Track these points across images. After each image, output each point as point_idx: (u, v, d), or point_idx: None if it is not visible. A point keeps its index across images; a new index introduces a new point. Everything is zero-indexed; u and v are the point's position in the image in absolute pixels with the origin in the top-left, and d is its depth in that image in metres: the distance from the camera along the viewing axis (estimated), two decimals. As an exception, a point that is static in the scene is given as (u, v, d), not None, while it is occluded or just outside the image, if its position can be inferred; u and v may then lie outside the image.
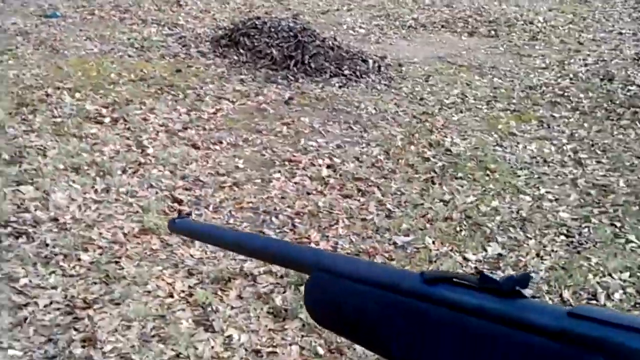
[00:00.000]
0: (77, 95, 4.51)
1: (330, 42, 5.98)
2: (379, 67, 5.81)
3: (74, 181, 3.29)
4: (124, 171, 3.50)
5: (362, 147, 4.18)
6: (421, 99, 5.16)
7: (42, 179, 3.23)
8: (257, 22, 6.27)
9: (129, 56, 5.60)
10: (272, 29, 6.10)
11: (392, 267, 0.65)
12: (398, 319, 0.56)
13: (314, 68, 5.59)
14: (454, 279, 0.54)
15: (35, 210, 2.97)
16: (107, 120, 4.17)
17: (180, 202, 3.28)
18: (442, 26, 7.45)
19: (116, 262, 2.68)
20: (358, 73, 5.63)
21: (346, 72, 5.60)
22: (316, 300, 0.66)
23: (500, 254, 2.99)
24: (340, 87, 5.31)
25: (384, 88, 5.37)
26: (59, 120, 4.04)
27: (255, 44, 6.01)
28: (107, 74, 5.00)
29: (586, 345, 0.43)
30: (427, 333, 0.54)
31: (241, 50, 5.97)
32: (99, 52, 5.60)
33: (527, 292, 0.51)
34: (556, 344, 0.45)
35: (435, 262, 2.93)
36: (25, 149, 3.55)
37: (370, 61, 5.87)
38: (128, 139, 3.94)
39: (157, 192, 3.33)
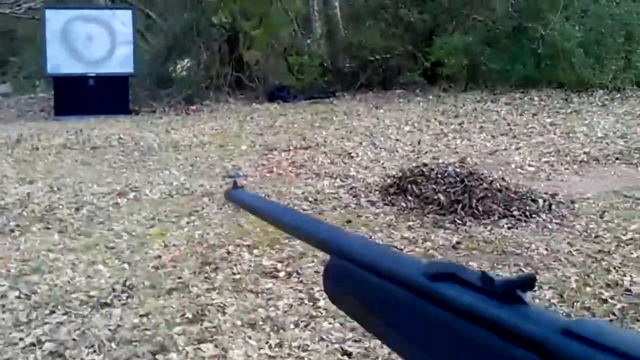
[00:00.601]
0: (255, 251, 4.80)
1: (497, 184, 5.98)
2: (550, 205, 5.70)
3: (250, 337, 3.46)
4: (296, 325, 3.63)
5: (534, 291, 4.06)
6: (596, 236, 4.97)
7: (221, 337, 3.43)
8: (424, 169, 6.43)
9: (303, 210, 5.92)
10: (439, 175, 6.22)
11: (401, 255, 0.61)
12: (399, 312, 0.55)
13: (482, 211, 5.59)
14: (456, 276, 0.51)
15: (214, 368, 3.15)
16: (281, 274, 4.38)
17: (349, 354, 3.33)
18: (617, 158, 7.23)
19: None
20: (528, 213, 5.55)
21: (515, 212, 5.54)
22: (332, 284, 0.66)
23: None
24: (509, 228, 5.25)
25: (556, 227, 5.23)
26: (237, 277, 4.31)
27: (423, 190, 6.13)
28: (283, 229, 5.30)
29: None
30: (422, 331, 0.52)
31: (409, 198, 6.12)
32: (276, 208, 5.97)
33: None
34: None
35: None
36: (206, 307, 3.81)
37: (541, 200, 5.78)
38: (301, 292, 4.10)
39: (327, 346, 3.41)
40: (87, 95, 11.90)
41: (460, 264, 0.52)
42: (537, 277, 4.46)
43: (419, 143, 8.32)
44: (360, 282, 0.60)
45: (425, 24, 13.71)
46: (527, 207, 5.69)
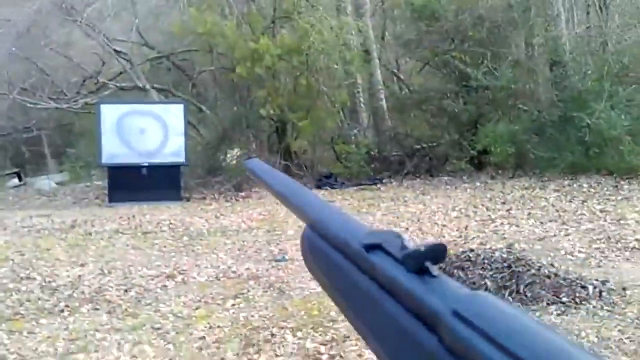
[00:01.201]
0: (299, 334, 4.78)
1: (546, 270, 5.89)
2: (601, 292, 5.57)
3: (291, 418, 3.42)
4: (339, 408, 3.58)
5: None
6: (649, 324, 4.82)
7: (263, 416, 3.41)
8: (470, 255, 6.38)
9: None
10: (486, 260, 6.17)
11: (354, 224, 0.59)
12: (346, 283, 0.54)
13: (530, 297, 5.49)
14: (384, 245, 0.50)
15: None
16: (324, 357, 4.34)
17: None
18: (670, 244, 7.07)
19: None
20: (577, 299, 5.42)
21: (564, 299, 5.43)
22: (305, 253, 0.66)
23: None
24: (558, 315, 5.13)
25: (607, 314, 5.10)
26: (280, 359, 4.29)
27: (469, 275, 6.07)
28: (327, 312, 5.28)
29: (462, 357, 0.38)
30: (360, 301, 0.52)
31: (455, 282, 6.05)
32: (321, 291, 5.94)
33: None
34: (440, 346, 0.41)
35: None
36: (249, 387, 3.80)
37: (591, 287, 5.65)
38: (344, 375, 4.06)
39: None
40: (140, 184, 12.21)
41: (396, 232, 0.51)
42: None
43: (465, 229, 8.28)
44: (322, 253, 0.61)
45: (469, 114, 13.84)
46: (577, 294, 5.57)
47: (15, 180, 18.11)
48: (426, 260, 0.45)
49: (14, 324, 5.03)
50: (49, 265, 7.01)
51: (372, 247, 0.51)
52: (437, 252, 0.45)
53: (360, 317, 0.53)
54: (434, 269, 0.45)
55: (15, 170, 19.24)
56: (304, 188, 0.74)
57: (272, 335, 4.76)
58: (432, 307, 0.42)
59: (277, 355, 4.36)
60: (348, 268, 0.54)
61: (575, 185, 11.19)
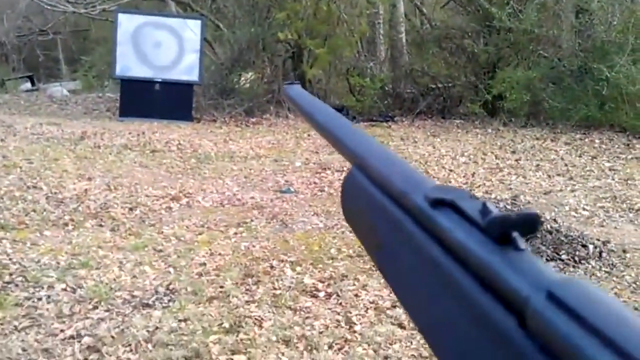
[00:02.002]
0: (298, 268, 4.84)
1: (549, 225, 5.91)
2: (601, 252, 5.60)
3: (283, 354, 3.50)
4: (330, 347, 3.65)
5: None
6: (645, 289, 4.87)
7: (255, 350, 3.48)
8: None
9: (350, 232, 5.94)
10: (489, 210, 6.18)
11: (415, 174, 0.52)
12: (396, 238, 0.50)
13: (530, 250, 5.52)
14: (457, 204, 0.44)
15: (245, 380, 3.20)
16: (321, 294, 4.41)
17: (380, 382, 3.34)
18: (675, 210, 7.06)
19: None
20: (577, 258, 5.46)
21: (564, 256, 5.46)
22: (346, 198, 0.61)
23: None
24: (556, 272, 5.17)
25: (605, 275, 5.14)
26: (278, 292, 4.36)
27: (472, 223, 6.10)
28: (328, 248, 5.34)
29: (551, 348, 0.33)
30: (412, 262, 0.47)
31: (457, 230, 6.10)
32: (323, 227, 6.01)
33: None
34: (520, 330, 0.35)
35: None
36: (244, 318, 3.87)
37: (591, 246, 5.68)
38: (338, 314, 4.13)
39: (359, 371, 3.43)
40: (152, 100, 12.19)
41: (470, 192, 0.46)
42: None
43: (472, 175, 8.27)
44: (370, 199, 0.55)
45: (489, 55, 13.62)
46: (577, 252, 5.59)
47: (28, 85, 18.07)
48: (514, 229, 0.39)
49: (18, 234, 5.11)
50: (56, 176, 7.07)
51: (439, 203, 0.45)
52: (529, 222, 0.39)
53: (408, 283, 0.48)
54: (522, 242, 0.38)
55: (29, 74, 19.16)
56: (353, 125, 0.69)
57: (272, 267, 4.83)
58: (517, 286, 0.36)
59: (275, 288, 4.42)
60: (404, 222, 0.49)
61: (587, 140, 11.12)
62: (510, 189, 7.74)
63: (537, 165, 9.05)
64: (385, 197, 0.53)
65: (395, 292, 0.51)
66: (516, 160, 9.34)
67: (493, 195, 7.00)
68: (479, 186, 7.80)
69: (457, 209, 0.43)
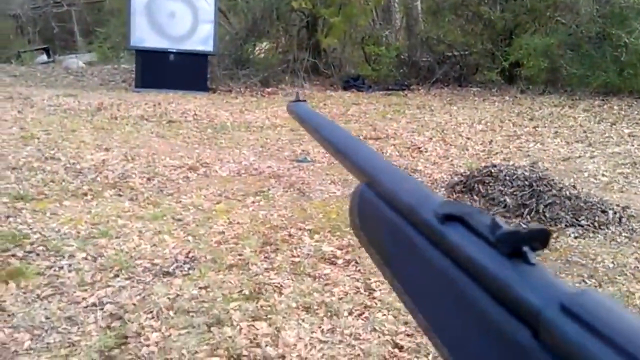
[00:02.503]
0: (316, 236, 4.85)
1: (567, 192, 5.87)
2: (620, 218, 5.56)
3: (303, 320, 3.52)
4: (350, 313, 3.67)
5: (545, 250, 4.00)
6: (666, 254, 4.84)
7: (276, 316, 3.50)
8: (492, 170, 6.36)
9: (367, 200, 5.93)
10: (508, 177, 6.15)
11: (424, 190, 0.53)
12: (406, 254, 0.50)
13: (549, 217, 5.50)
14: (467, 220, 0.44)
15: (266, 346, 3.22)
16: (340, 261, 4.42)
17: (401, 348, 3.35)
18: (696, 175, 7.00)
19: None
20: (596, 224, 5.43)
21: (583, 222, 5.43)
22: (355, 214, 0.62)
23: None
24: (575, 237, 5.15)
25: (625, 240, 5.11)
26: (297, 260, 4.37)
27: (490, 191, 6.08)
28: (346, 216, 5.33)
29: (562, 357, 0.33)
30: (423, 278, 0.47)
31: (475, 197, 6.07)
32: (340, 195, 6.01)
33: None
34: (535, 342, 0.35)
35: None
36: (264, 286, 3.89)
37: (611, 212, 5.64)
38: (357, 280, 4.14)
39: (379, 337, 3.44)
40: (167, 70, 12.17)
41: (477, 208, 0.46)
42: (600, 290, 4.39)
43: (490, 143, 8.22)
44: (380, 215, 0.55)
45: (505, 22, 13.46)
46: (596, 218, 5.56)
47: (44, 57, 18.09)
48: (524, 244, 0.39)
49: (37, 204, 5.14)
50: (74, 147, 7.09)
51: (449, 219, 0.45)
52: (539, 238, 0.39)
53: (420, 297, 0.48)
54: (533, 256, 0.39)
55: (44, 46, 19.18)
56: (360, 141, 0.69)
57: (290, 235, 4.84)
58: (529, 298, 0.36)
59: (293, 256, 4.44)
60: (414, 238, 0.49)
61: (605, 107, 11.00)
62: (529, 156, 7.69)
63: (556, 132, 8.97)
64: (395, 213, 0.53)
65: (407, 306, 0.51)
66: (534, 127, 9.26)
67: (511, 162, 6.95)
68: (497, 153, 7.75)
69: (466, 224, 0.44)
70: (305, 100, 0.91)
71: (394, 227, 0.53)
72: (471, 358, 0.41)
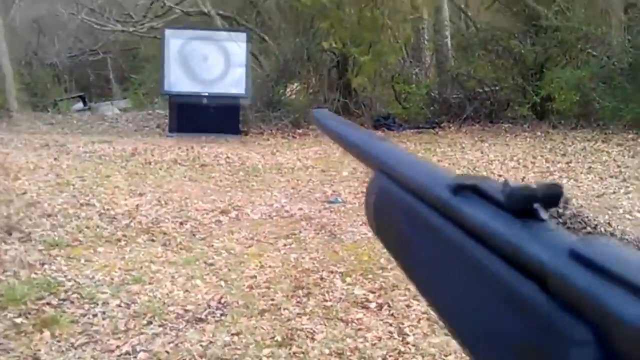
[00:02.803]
0: (348, 279, 4.84)
1: (602, 229, 5.79)
2: (658, 255, 5.46)
3: (336, 366, 3.50)
4: (383, 359, 3.64)
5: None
6: None
7: (308, 363, 3.49)
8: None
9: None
10: (541, 215, 6.09)
11: (436, 170, 0.52)
12: (422, 235, 0.49)
13: (584, 256, 5.42)
14: (478, 187, 0.43)
15: (298, 393, 3.21)
16: (372, 305, 4.40)
17: (434, 393, 3.31)
18: None
19: None
20: (633, 262, 5.33)
21: (619, 260, 5.34)
22: (370, 203, 0.61)
23: None
24: (612, 276, 5.06)
25: (663, 279, 5.00)
26: (329, 304, 4.36)
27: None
28: (377, 258, 5.31)
29: (573, 305, 0.32)
30: (438, 258, 0.46)
31: (508, 236, 6.02)
32: (372, 236, 5.98)
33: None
34: (543, 296, 0.34)
35: None
36: (296, 331, 3.88)
37: (648, 249, 5.54)
38: (390, 325, 4.11)
39: (412, 382, 3.41)
40: (200, 114, 12.33)
41: (491, 178, 0.45)
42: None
43: (522, 180, 8.15)
44: (393, 198, 0.55)
45: (536, 56, 13.42)
46: (633, 255, 5.44)
47: (80, 104, 18.49)
48: (536, 201, 0.38)
49: (72, 251, 5.22)
50: (108, 192, 7.20)
51: (462, 189, 0.44)
52: (550, 194, 0.38)
53: (435, 277, 0.47)
54: (544, 213, 0.38)
55: (80, 93, 19.63)
56: (374, 133, 0.69)
57: (322, 279, 4.83)
58: (536, 252, 0.35)
59: (325, 300, 4.43)
60: (428, 215, 0.48)
61: (639, 140, 10.86)
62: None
63: (589, 167, 8.88)
64: (409, 194, 0.52)
65: (421, 291, 0.50)
66: (567, 163, 9.17)
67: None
68: (532, 191, 7.67)
69: (478, 192, 0.43)
70: (327, 108, 0.92)
71: (408, 208, 0.52)
72: (487, 327, 0.40)
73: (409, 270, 0.53)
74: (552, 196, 0.38)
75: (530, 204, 0.38)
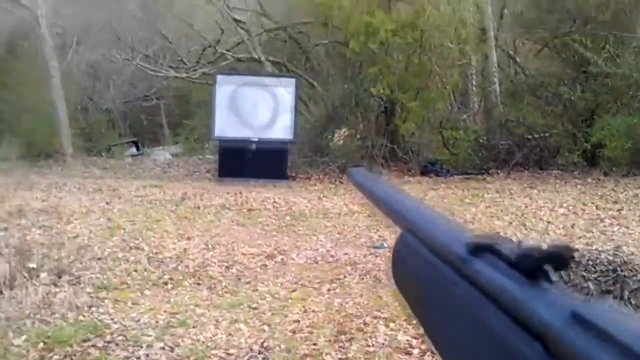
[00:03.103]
0: (392, 325, 4.80)
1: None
2: None
3: (376, 413, 3.47)
4: (424, 406, 3.59)
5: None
6: None
7: (348, 409, 3.47)
8: (574, 255, 6.19)
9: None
10: (590, 262, 5.97)
11: (458, 228, 0.54)
12: (441, 292, 0.50)
13: (634, 304, 5.29)
14: (494, 247, 0.44)
15: None
16: (415, 351, 4.36)
17: None
18: None
19: None
20: (686, 312, 5.19)
21: (672, 310, 5.20)
22: (396, 262, 0.63)
23: None
24: (664, 327, 4.92)
25: None
26: (372, 349, 4.34)
27: (572, 277, 5.90)
28: (421, 304, 5.27)
29: None
30: (454, 314, 0.47)
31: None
32: (416, 282, 5.95)
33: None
34: (546, 356, 0.36)
35: None
36: (337, 377, 3.87)
37: (702, 299, 5.38)
38: (433, 372, 4.07)
39: None
40: (248, 159, 12.51)
41: (508, 237, 0.47)
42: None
43: (572, 227, 8.03)
44: (417, 257, 0.57)
45: (586, 102, 13.28)
46: (686, 305, 5.32)
47: (133, 150, 18.94)
48: (546, 262, 0.39)
49: (120, 294, 5.32)
50: (157, 236, 7.34)
51: (478, 249, 0.46)
52: (561, 255, 0.39)
53: (449, 333, 0.49)
54: (553, 274, 0.39)
55: (134, 139, 20.11)
56: (405, 193, 0.72)
57: (365, 324, 4.81)
58: (540, 313, 0.36)
59: (368, 346, 4.40)
60: (447, 274, 0.50)
61: (693, 188, 10.62)
62: (613, 240, 7.45)
63: (641, 215, 8.70)
64: (431, 253, 0.54)
65: (435, 346, 0.52)
66: (618, 210, 9.00)
67: (594, 247, 6.76)
68: (579, 238, 7.55)
69: (494, 252, 0.44)
70: (363, 166, 0.95)
71: (430, 265, 0.54)
72: None
73: (425, 323, 0.56)
74: (562, 258, 0.39)
75: (540, 265, 0.39)
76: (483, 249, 0.46)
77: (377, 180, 0.81)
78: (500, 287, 0.41)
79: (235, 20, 16.64)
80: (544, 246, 0.39)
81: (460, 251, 0.48)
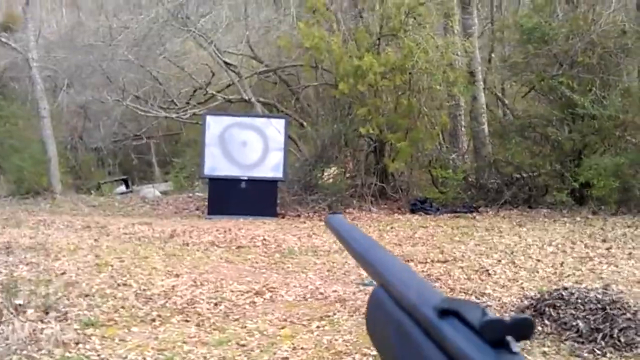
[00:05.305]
0: (381, 362, 4.77)
1: (642, 316, 5.65)
2: (702, 343, 5.29)
3: None
4: None
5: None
6: None
7: None
8: (563, 293, 6.19)
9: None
10: (580, 300, 5.97)
11: (429, 288, 0.57)
12: (408, 351, 0.52)
13: (624, 342, 5.28)
14: (461, 313, 0.46)
15: None
16: (404, 388, 4.32)
17: None
18: None
19: None
20: (676, 350, 5.17)
21: (662, 348, 5.19)
22: (369, 316, 0.65)
23: None
24: (653, 364, 4.92)
25: None
26: (360, 386, 4.31)
27: (561, 315, 5.89)
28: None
29: None
30: None
31: (546, 322, 5.89)
32: (406, 319, 5.93)
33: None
34: None
35: None
36: (326, 414, 3.83)
37: (691, 337, 5.37)
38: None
39: None
40: (238, 197, 12.53)
41: (476, 302, 0.49)
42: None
43: (561, 265, 8.04)
44: (388, 313, 0.59)
45: (574, 143, 13.41)
46: (676, 343, 5.31)
47: (123, 187, 18.92)
48: (508, 333, 0.41)
49: (107, 330, 5.27)
50: (145, 273, 7.29)
51: (446, 313, 0.48)
52: (522, 327, 0.41)
53: None
54: (514, 346, 0.41)
55: (123, 177, 20.12)
56: (381, 247, 0.74)
57: (354, 361, 4.78)
58: None
59: (356, 383, 4.37)
60: (416, 335, 0.52)
61: (682, 226, 10.67)
62: (602, 278, 7.46)
63: (630, 253, 8.71)
64: (401, 312, 0.57)
65: None
66: (607, 248, 9.02)
67: (583, 285, 6.76)
68: (568, 276, 7.55)
69: (460, 317, 0.46)
70: (341, 213, 0.97)
71: (399, 325, 0.56)
72: None
73: None
74: (524, 330, 0.41)
75: (502, 336, 0.41)
76: (450, 313, 0.48)
77: (354, 230, 0.82)
78: (464, 355, 0.43)
79: (226, 63, 16.78)
80: (506, 319, 0.41)
81: (429, 314, 0.50)
